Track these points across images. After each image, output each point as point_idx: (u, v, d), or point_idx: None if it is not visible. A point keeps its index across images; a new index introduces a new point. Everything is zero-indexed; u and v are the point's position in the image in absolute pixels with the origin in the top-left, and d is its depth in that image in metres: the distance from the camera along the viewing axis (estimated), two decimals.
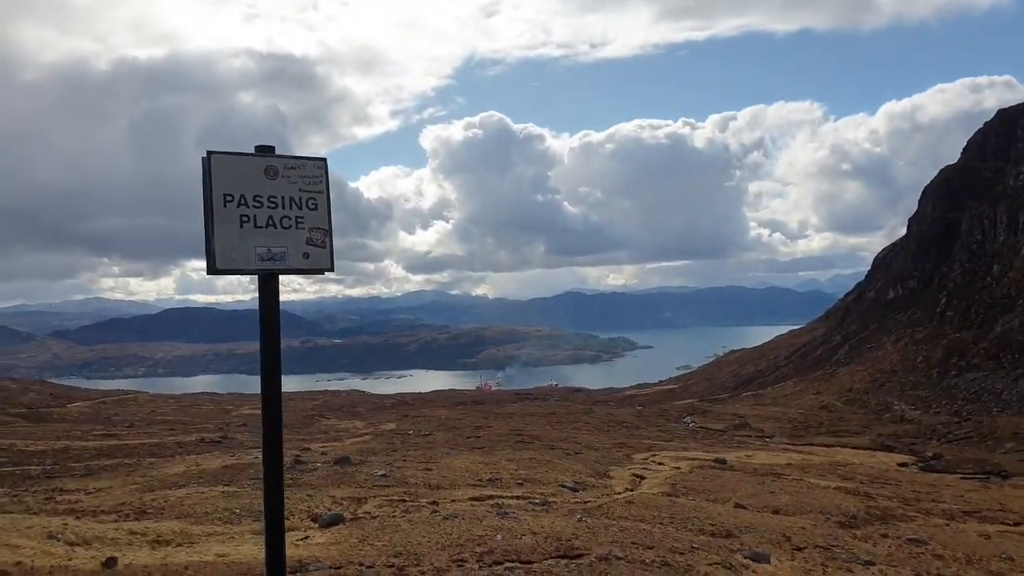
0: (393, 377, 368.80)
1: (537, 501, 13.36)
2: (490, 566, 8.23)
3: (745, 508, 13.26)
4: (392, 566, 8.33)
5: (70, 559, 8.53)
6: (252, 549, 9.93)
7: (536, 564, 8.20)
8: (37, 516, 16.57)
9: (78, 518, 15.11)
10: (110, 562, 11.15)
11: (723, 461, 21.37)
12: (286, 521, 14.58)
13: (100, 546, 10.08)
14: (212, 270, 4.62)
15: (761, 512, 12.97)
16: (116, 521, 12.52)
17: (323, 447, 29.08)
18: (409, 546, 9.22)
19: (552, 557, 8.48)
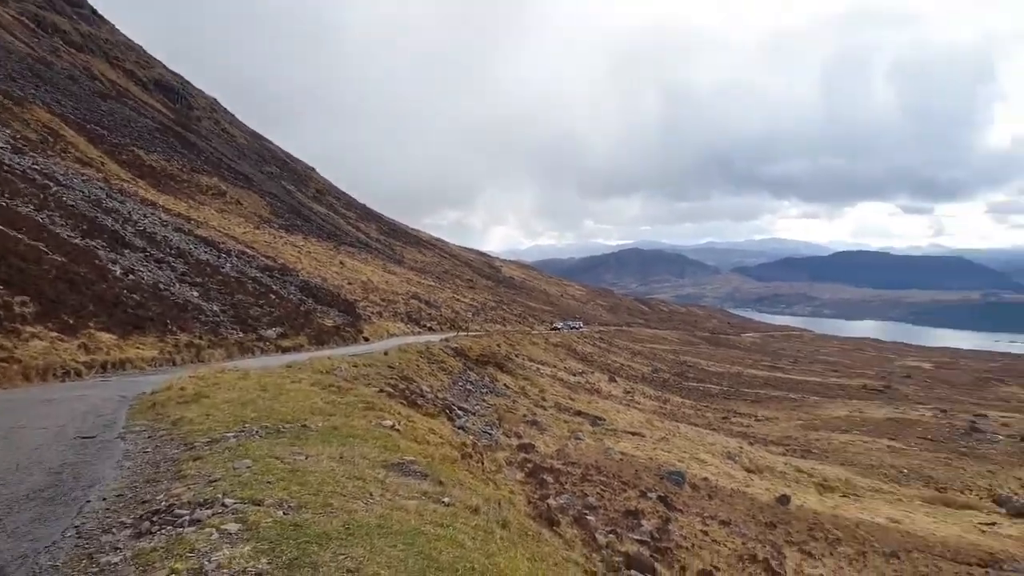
0: None
1: None
2: None
3: None
4: None
5: (747, 486, 9.18)
6: (924, 520, 9.11)
7: None
8: (717, 434, 18.84)
9: (751, 443, 16.48)
10: (783, 499, 11.67)
11: None
12: (962, 495, 12.99)
13: (771, 477, 10.61)
14: None
15: None
16: (784, 455, 13.10)
17: (1003, 416, 25.26)
18: None
19: None
